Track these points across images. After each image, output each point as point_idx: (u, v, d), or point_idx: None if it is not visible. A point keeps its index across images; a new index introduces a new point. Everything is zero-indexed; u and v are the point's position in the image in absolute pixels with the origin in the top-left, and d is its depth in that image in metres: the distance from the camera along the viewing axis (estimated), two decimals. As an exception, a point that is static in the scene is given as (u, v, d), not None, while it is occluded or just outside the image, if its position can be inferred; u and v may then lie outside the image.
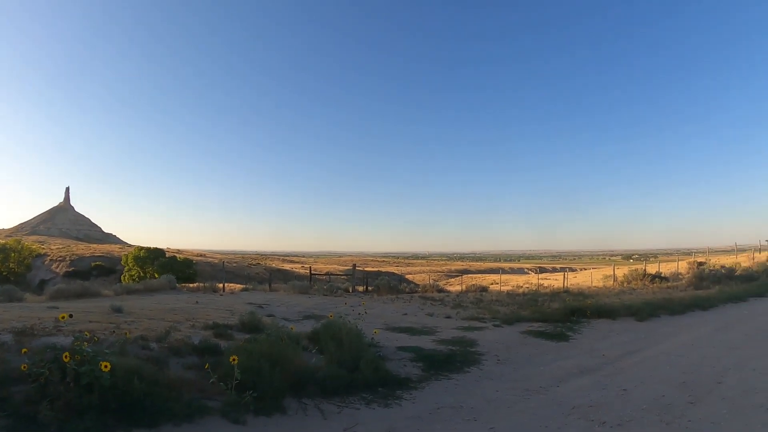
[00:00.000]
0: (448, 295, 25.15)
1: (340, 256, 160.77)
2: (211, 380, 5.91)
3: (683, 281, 25.94)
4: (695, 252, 56.64)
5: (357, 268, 40.34)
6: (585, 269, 69.55)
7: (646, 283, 26.84)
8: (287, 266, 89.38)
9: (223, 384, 5.79)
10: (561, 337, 11.63)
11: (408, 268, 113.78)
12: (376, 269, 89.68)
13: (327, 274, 48.24)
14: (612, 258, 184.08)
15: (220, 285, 26.01)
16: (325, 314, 12.52)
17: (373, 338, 8.71)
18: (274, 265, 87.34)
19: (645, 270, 30.12)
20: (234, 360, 5.78)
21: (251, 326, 10.61)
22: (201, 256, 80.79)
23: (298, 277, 50.75)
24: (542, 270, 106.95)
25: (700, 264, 32.56)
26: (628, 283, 27.47)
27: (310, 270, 42.90)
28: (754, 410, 5.97)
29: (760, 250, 44.75)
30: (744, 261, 37.18)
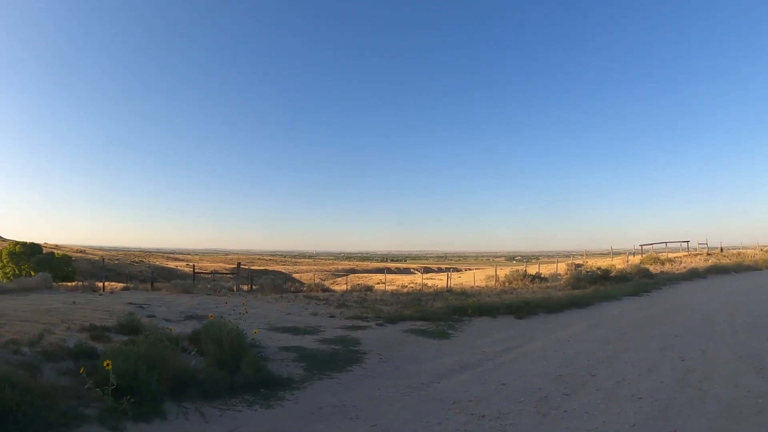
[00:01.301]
0: (332, 295, 25.12)
1: (227, 254, 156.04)
2: (87, 386, 5.61)
3: (562, 281, 27.33)
4: (574, 255, 60.34)
5: (243, 266, 39.51)
6: (469, 270, 71.71)
7: (527, 283, 28.10)
8: (172, 264, 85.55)
9: (100, 390, 5.50)
10: (443, 335, 11.94)
11: (295, 267, 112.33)
12: (263, 268, 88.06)
13: (212, 272, 47.19)
14: (496, 259, 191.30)
15: (100, 284, 24.60)
16: (208, 314, 12.19)
17: (253, 338, 8.58)
18: (158, 262, 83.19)
19: (525, 271, 31.61)
20: (108, 365, 5.50)
21: (130, 328, 10.14)
22: (81, 252, 75.89)
23: (182, 275, 48.91)
24: (428, 270, 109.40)
25: (578, 266, 34.68)
26: (510, 283, 28.58)
27: (194, 268, 41.59)
28: (625, 399, 6.40)
29: (634, 254, 48.68)
30: (619, 263, 40.00)
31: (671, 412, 5.83)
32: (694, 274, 32.73)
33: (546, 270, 37.07)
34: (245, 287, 28.28)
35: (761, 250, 55.51)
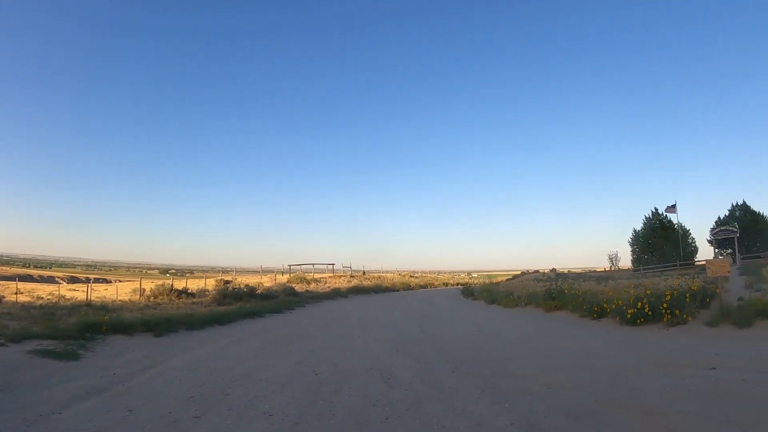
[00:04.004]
0: (-52, 308, 21.40)
1: None
2: None
3: (208, 297, 27.29)
4: (227, 270, 61.15)
5: None
6: (120, 281, 67.79)
7: (173, 298, 27.37)
8: None
9: None
10: (71, 355, 10.90)
11: None
12: None
13: None
14: (149, 271, 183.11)
15: None
16: None
17: None
18: None
19: (172, 285, 30.77)
20: None
21: None
22: None
23: None
24: (75, 280, 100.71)
25: (227, 282, 35.14)
26: (155, 298, 27.49)
27: None
28: (257, 417, 6.44)
29: (283, 273, 51.22)
30: (267, 282, 41.68)
31: (301, 426, 6.02)
32: (336, 294, 35.72)
33: (195, 285, 36.68)
34: None
35: (399, 274, 63.63)
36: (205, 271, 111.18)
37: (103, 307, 21.46)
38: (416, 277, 64.27)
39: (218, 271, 70.16)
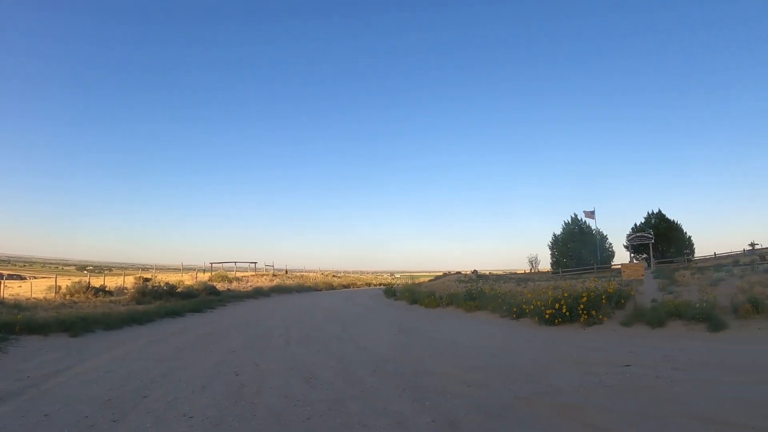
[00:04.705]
0: None
1: None
2: None
3: (127, 296, 26.47)
4: (146, 267, 59.42)
5: None
6: (35, 278, 64.71)
7: (90, 296, 26.32)
8: None
9: None
10: (-18, 357, 10.39)
11: None
12: None
13: None
14: (66, 268, 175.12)
15: None
16: None
17: None
18: None
19: (89, 283, 29.73)
20: None
21: None
22: None
23: None
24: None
25: (146, 280, 34.16)
26: (71, 296, 26.39)
27: None
28: (176, 420, 6.31)
29: (204, 271, 50.22)
30: (188, 280, 40.76)
31: (222, 428, 5.94)
32: (258, 293, 35.41)
33: (113, 283, 35.54)
34: None
35: (322, 274, 63.63)
36: (123, 268, 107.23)
37: (17, 306, 20.46)
38: (339, 277, 64.36)
39: (137, 269, 67.98)
